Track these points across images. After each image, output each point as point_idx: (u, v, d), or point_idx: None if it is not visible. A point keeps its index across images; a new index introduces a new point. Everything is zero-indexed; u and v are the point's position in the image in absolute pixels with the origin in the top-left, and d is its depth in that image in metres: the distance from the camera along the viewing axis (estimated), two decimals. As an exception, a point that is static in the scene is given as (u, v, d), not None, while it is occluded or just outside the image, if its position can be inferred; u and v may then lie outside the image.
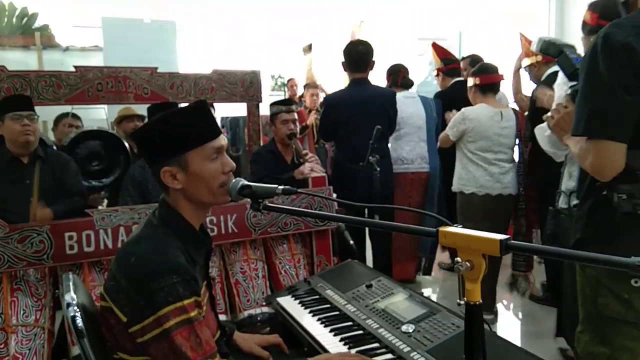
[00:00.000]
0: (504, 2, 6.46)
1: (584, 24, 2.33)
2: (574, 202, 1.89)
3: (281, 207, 1.27)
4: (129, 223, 2.14)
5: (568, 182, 2.23)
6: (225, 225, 2.30)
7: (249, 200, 1.30)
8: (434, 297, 3.88)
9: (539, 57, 3.45)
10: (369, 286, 1.88)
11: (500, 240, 0.83)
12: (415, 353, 1.46)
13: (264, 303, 2.30)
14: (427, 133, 3.97)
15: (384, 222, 1.05)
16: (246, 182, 1.31)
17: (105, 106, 5.27)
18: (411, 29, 6.29)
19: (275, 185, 1.25)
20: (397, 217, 3.67)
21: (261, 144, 3.27)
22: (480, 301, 0.88)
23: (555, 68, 3.24)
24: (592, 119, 1.34)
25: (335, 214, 1.16)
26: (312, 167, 2.94)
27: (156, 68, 2.93)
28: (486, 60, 4.13)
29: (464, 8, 6.83)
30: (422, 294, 1.84)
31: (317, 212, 1.09)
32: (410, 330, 1.56)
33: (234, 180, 1.33)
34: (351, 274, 2.06)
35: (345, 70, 3.53)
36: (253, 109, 3.23)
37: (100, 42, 5.86)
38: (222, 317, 2.06)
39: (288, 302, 1.95)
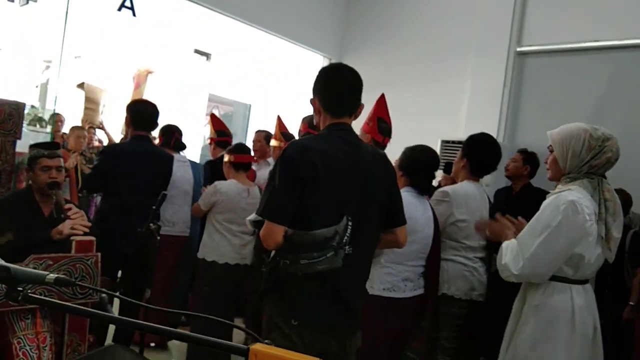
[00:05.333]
0: (289, 81, 7.00)
1: (299, 131, 3.14)
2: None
3: (49, 301, 1.02)
4: None
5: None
6: (-54, 294, 1.80)
7: None
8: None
9: (281, 143, 4.06)
10: (135, 378, 1.66)
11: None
12: None
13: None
14: (192, 198, 4.02)
15: (188, 334, 0.92)
16: (1, 263, 1.03)
17: None
18: (201, 90, 6.29)
19: (45, 273, 1.01)
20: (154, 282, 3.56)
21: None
22: None
23: None
24: (265, 206, 1.85)
25: (132, 320, 0.97)
26: (73, 225, 2.52)
27: None
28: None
29: (254, 81, 7.18)
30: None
31: (98, 312, 0.89)
32: None
33: (-19, 260, 1.04)
34: (113, 362, 1.79)
35: (127, 125, 3.48)
36: (8, 145, 2.73)
37: None
38: None
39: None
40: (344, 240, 1.83)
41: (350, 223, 1.84)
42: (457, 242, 2.81)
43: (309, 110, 3.19)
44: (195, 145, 5.93)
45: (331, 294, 1.86)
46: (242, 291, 3.62)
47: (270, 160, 4.70)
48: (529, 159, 3.91)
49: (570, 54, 4.89)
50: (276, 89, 7.16)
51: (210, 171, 4.20)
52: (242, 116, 7.89)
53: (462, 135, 3.71)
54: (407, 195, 2.51)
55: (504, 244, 2.21)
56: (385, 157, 2.06)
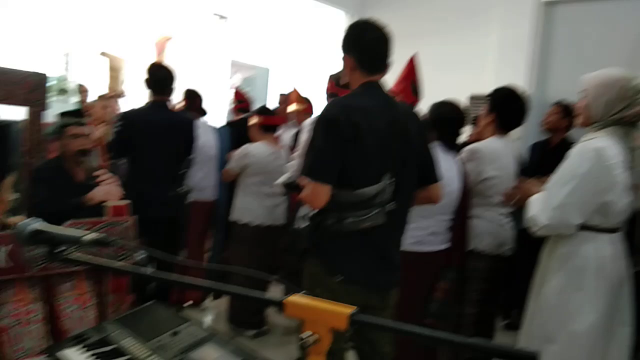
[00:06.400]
0: (310, 43, 6.87)
1: (326, 89, 2.99)
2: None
3: (88, 261, 1.06)
4: None
5: (304, 210, 2.76)
6: (-6, 259, 1.89)
7: None
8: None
9: (301, 106, 4.03)
10: (176, 333, 1.72)
11: (349, 315, 0.82)
12: (227, 410, 1.37)
13: (40, 352, 1.93)
14: (218, 162, 4.08)
15: (226, 287, 0.95)
16: (38, 226, 1.07)
17: None
18: (222, 54, 6.24)
19: (84, 233, 1.04)
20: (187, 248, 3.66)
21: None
22: (323, 375, 0.86)
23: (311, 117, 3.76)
24: (310, 166, 1.87)
25: (165, 278, 1.00)
26: (106, 191, 2.59)
27: None
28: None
29: (272, 43, 7.08)
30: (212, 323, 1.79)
31: (139, 270, 0.93)
32: (222, 384, 1.47)
33: (21, 223, 1.08)
34: (154, 319, 1.86)
35: (147, 89, 3.47)
36: (36, 116, 2.78)
37: None
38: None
39: (75, 356, 1.66)
40: (387, 198, 1.87)
41: (391, 180, 1.87)
42: (487, 199, 2.80)
43: (329, 72, 3.18)
44: (220, 110, 5.95)
45: (374, 250, 1.92)
46: (276, 252, 3.70)
47: (292, 124, 4.71)
48: (567, 111, 3.82)
49: (601, 1, 4.66)
50: (296, 51, 7.05)
51: (230, 132, 4.24)
52: (263, 80, 7.85)
53: (489, 90, 3.63)
54: (434, 150, 2.50)
55: (532, 198, 2.19)
56: (417, 114, 2.08)
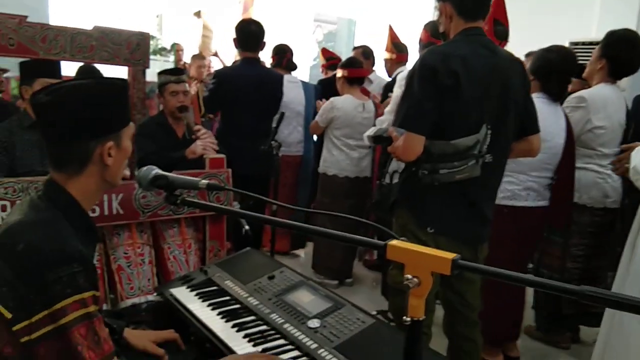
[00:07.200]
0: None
1: (420, 40, 2.92)
2: (395, 179, 2.45)
3: (203, 203, 1.15)
4: (-7, 199, 1.83)
5: (393, 164, 2.76)
6: (109, 206, 2.07)
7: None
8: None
9: (393, 55, 3.85)
10: (271, 277, 1.83)
11: (452, 260, 0.83)
12: (322, 350, 1.45)
13: (149, 291, 2.13)
14: (305, 118, 4.13)
15: (330, 231, 0.99)
16: (160, 172, 1.17)
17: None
18: (305, 9, 6.23)
19: (198, 179, 1.13)
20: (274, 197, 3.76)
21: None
22: (424, 317, 0.88)
23: (404, 68, 3.60)
24: (405, 117, 1.82)
25: (265, 216, 1.07)
26: (204, 146, 2.75)
27: (26, 17, 2.51)
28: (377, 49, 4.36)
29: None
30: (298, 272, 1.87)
31: (240, 210, 1.02)
32: (316, 326, 1.55)
33: (144, 169, 1.19)
34: (251, 264, 1.99)
35: (236, 47, 3.55)
36: (139, 74, 2.92)
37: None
38: (102, 308, 1.87)
39: (183, 294, 1.82)
40: (484, 149, 1.82)
41: (489, 131, 1.82)
42: (592, 150, 2.63)
43: (420, 20, 3.07)
44: (304, 66, 5.98)
45: (466, 202, 1.89)
46: (362, 204, 3.75)
47: (372, 76, 4.63)
48: None
49: None
50: (381, 1, 6.86)
51: (322, 90, 4.25)
52: (347, 33, 7.74)
53: (594, 36, 3.35)
54: (538, 102, 2.35)
55: (636, 149, 2.03)
56: (521, 62, 1.98)
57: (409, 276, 0.85)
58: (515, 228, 2.50)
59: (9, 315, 1.05)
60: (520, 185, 2.48)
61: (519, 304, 2.69)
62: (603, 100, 2.60)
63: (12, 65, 2.78)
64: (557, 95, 2.54)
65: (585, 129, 2.61)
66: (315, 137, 4.31)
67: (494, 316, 2.41)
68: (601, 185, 2.62)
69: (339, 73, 3.66)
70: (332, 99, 3.60)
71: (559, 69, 2.50)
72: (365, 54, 4.56)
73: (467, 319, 2.10)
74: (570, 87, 3.49)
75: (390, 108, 2.98)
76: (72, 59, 2.76)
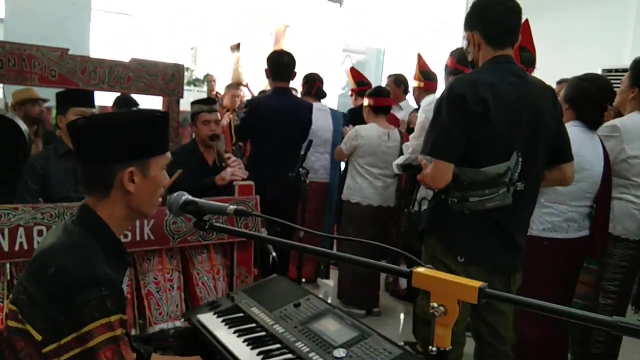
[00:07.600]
0: (427, 21, 6.71)
1: (446, 66, 2.91)
2: (424, 207, 2.42)
3: (231, 229, 1.17)
4: (30, 223, 1.88)
5: (421, 192, 2.72)
6: (140, 231, 2.11)
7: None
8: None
9: (421, 83, 3.84)
10: (297, 305, 1.82)
11: (479, 288, 0.81)
12: (348, 380, 1.43)
13: (177, 317, 2.15)
14: (332, 145, 4.15)
15: (356, 258, 0.99)
16: (190, 197, 1.20)
17: (1, 85, 4.61)
18: (335, 40, 6.35)
19: (226, 205, 1.15)
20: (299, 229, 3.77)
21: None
22: (450, 347, 0.86)
23: (432, 96, 3.58)
24: (433, 144, 1.83)
25: (292, 242, 1.08)
26: (233, 172, 2.80)
27: (67, 50, 2.64)
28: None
29: (388, 24, 7.02)
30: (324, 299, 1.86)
31: (267, 236, 1.04)
32: (342, 356, 1.53)
33: (175, 194, 1.22)
34: (277, 291, 1.99)
35: (267, 77, 3.64)
36: (173, 104, 3.04)
37: (2, 11, 5.13)
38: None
39: (210, 320, 1.83)
40: (515, 177, 1.80)
41: (520, 158, 1.80)
42: (627, 180, 2.56)
43: (449, 49, 3.08)
44: (332, 94, 6.05)
45: (498, 231, 1.86)
46: (385, 233, 3.73)
47: (403, 104, 4.65)
48: None
49: None
50: (410, 30, 6.92)
51: (351, 119, 4.29)
52: (376, 62, 7.83)
53: (627, 63, 3.28)
54: (575, 130, 2.32)
55: None
56: (552, 89, 1.96)
57: (435, 304, 0.84)
58: (557, 260, 2.42)
59: (39, 338, 1.08)
60: (561, 216, 2.41)
61: (563, 338, 2.59)
62: (637, 129, 2.54)
63: (52, 95, 2.90)
64: (593, 123, 2.49)
65: (619, 158, 2.55)
66: (342, 165, 4.32)
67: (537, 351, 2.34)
68: (637, 217, 2.54)
69: (365, 102, 3.70)
70: (357, 127, 3.63)
71: (594, 97, 2.46)
72: (396, 82, 4.61)
73: (498, 351, 2.04)
74: (606, 116, 3.43)
75: (415, 134, 2.97)
76: (110, 89, 2.88)
